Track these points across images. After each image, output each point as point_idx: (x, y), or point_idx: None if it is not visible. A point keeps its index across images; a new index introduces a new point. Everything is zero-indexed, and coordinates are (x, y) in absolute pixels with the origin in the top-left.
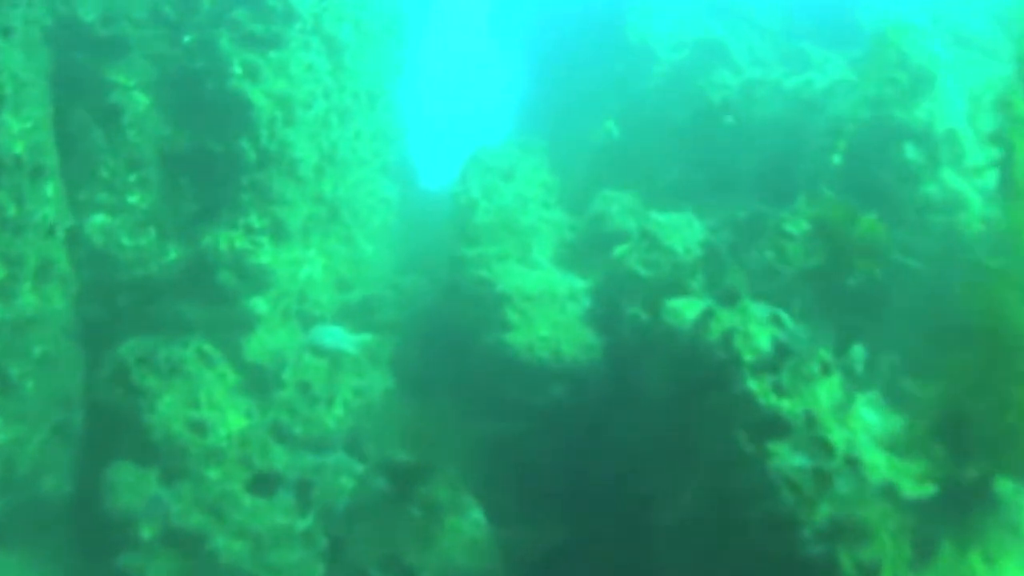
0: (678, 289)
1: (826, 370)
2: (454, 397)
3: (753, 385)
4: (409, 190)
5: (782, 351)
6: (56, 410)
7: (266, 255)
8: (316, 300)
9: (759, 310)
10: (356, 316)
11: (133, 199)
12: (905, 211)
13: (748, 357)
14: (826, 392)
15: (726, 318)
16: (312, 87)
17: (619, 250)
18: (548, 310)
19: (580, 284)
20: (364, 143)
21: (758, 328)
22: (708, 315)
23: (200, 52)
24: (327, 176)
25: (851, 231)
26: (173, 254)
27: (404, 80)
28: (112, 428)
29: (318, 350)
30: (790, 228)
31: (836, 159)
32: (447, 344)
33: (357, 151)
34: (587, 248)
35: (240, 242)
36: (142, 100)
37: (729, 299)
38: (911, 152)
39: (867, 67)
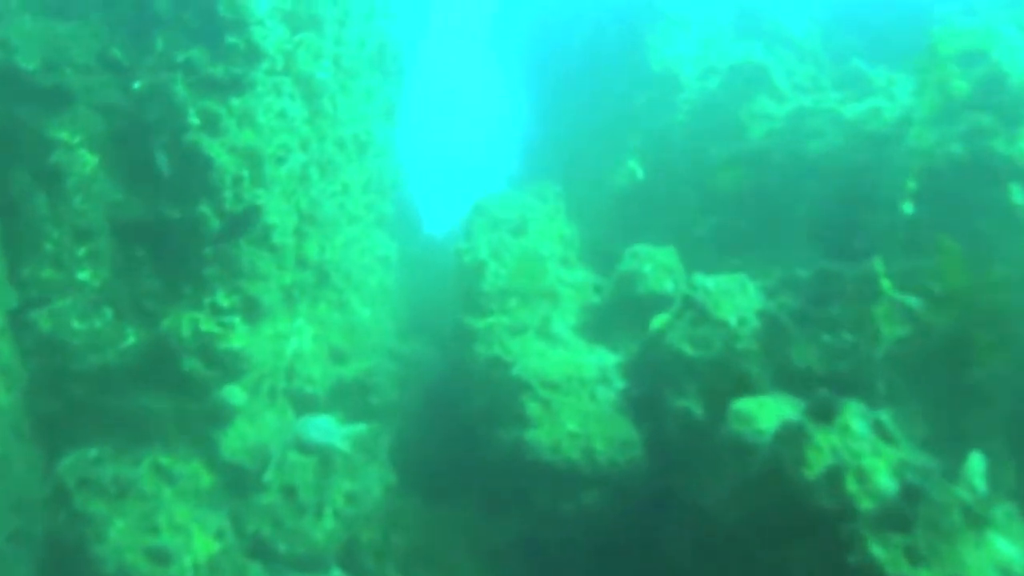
0: (735, 375)
1: (972, 519)
2: (466, 499)
3: (879, 552)
4: (410, 240)
5: (912, 495)
6: (10, 517)
7: (238, 338)
8: (307, 375)
9: (860, 424)
10: (351, 397)
11: (83, 276)
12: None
13: (866, 506)
14: (973, 552)
15: (824, 442)
16: (285, 138)
17: (657, 321)
18: (575, 398)
19: (611, 359)
20: (354, 197)
21: (874, 461)
22: (799, 436)
23: (152, 101)
24: (310, 238)
25: (975, 295)
26: (132, 338)
27: (399, 119)
28: (59, 559)
29: (305, 447)
30: (872, 291)
31: (916, 205)
32: (456, 432)
33: (346, 207)
34: (617, 313)
35: (206, 324)
36: (89, 160)
37: (824, 413)
38: (1018, 195)
39: (947, 89)
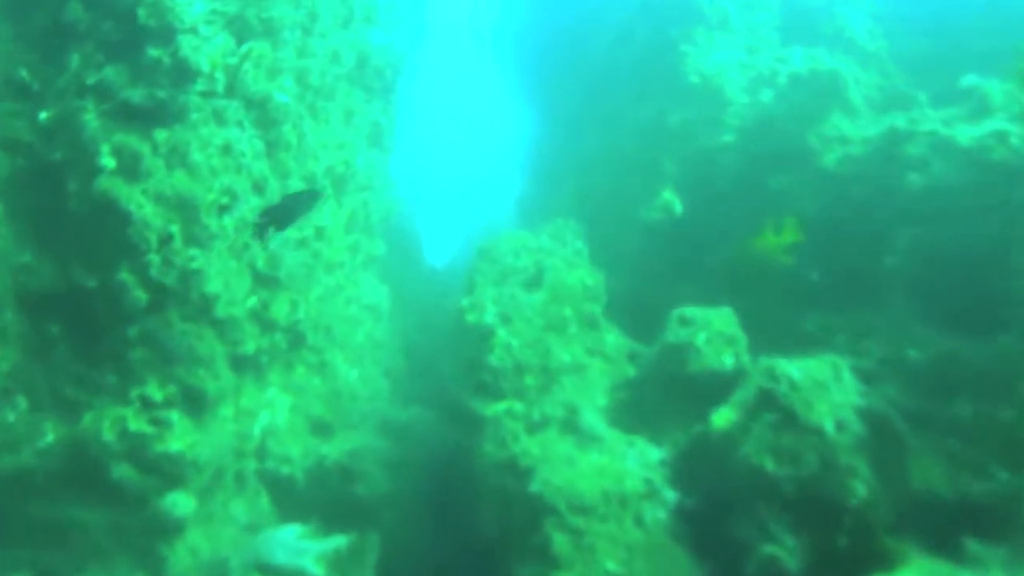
0: (839, 504)
1: None
2: None
3: None
4: (409, 276)
5: None
6: None
7: (177, 439)
8: (283, 454)
9: None
10: (333, 484)
11: None
12: None
13: None
14: None
15: None
16: (230, 179)
17: (721, 418)
18: (615, 525)
19: (654, 454)
20: (332, 240)
21: None
22: None
23: (60, 135)
24: (278, 299)
25: None
26: (51, 435)
27: (389, 143)
28: None
29: (269, 572)
30: (1016, 381)
31: None
32: (462, 554)
33: (322, 254)
34: (660, 393)
35: (136, 423)
36: None
37: None
38: None
39: None
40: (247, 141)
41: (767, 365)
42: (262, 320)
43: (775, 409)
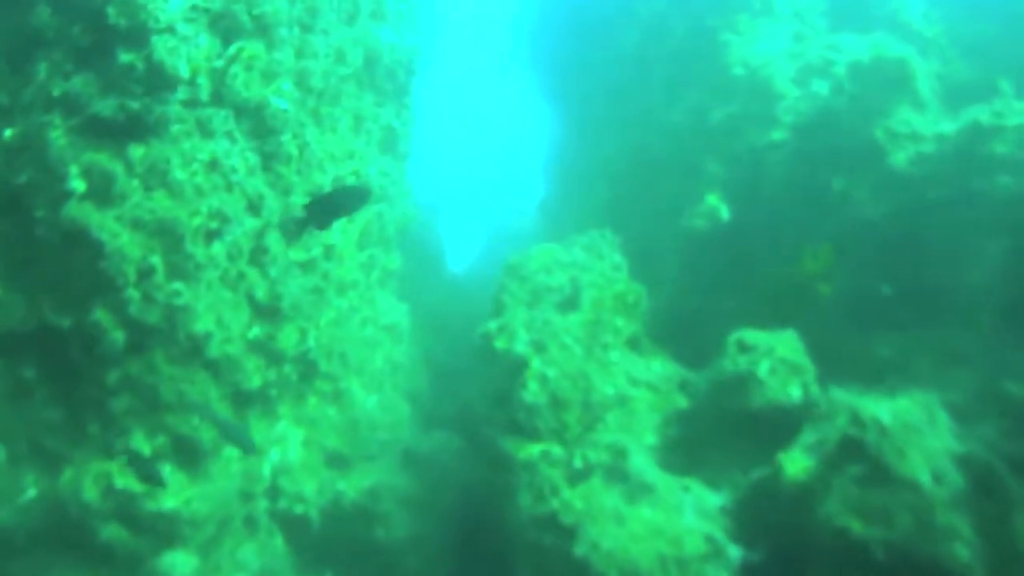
0: (939, 570)
1: None
2: None
3: None
4: (430, 286)
5: None
6: None
7: (170, 496)
8: (296, 492)
9: None
10: (351, 527)
11: None
12: None
13: None
14: None
15: None
16: (219, 199)
17: (794, 465)
18: None
19: (712, 500)
20: (345, 260)
21: None
22: None
23: (25, 154)
24: (285, 328)
25: None
26: (32, 490)
27: (405, 146)
28: None
29: None
30: None
31: None
32: None
33: (332, 275)
34: (716, 429)
35: (122, 479)
36: None
37: None
38: None
39: None
40: (239, 155)
41: (850, 406)
42: (268, 351)
43: (862, 460)
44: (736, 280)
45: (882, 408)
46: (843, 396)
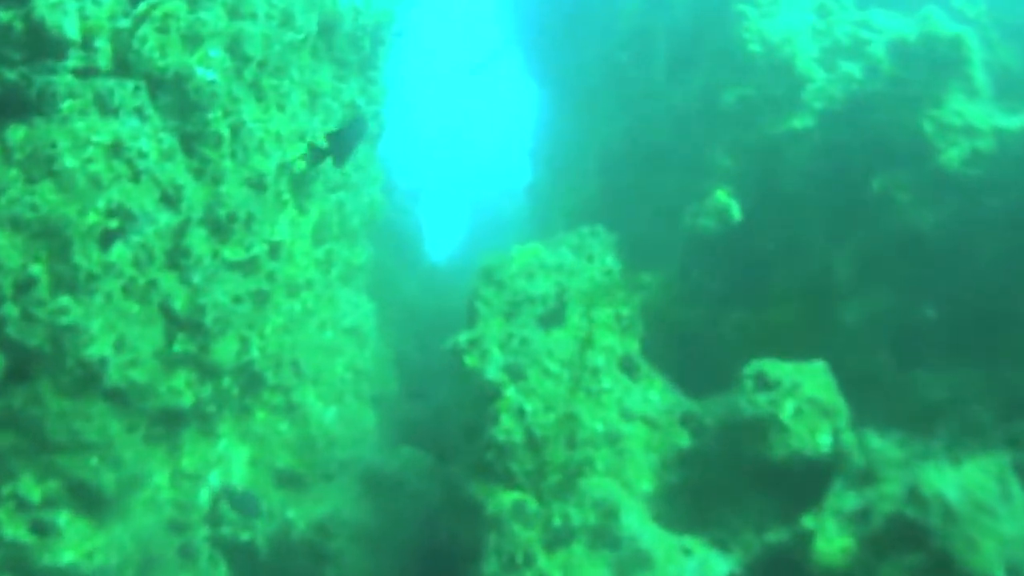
0: None
1: None
2: None
3: None
4: (402, 281)
5: None
6: None
7: (69, 548)
8: (239, 520)
9: None
10: (298, 564)
11: None
12: None
13: None
14: None
15: None
16: (121, 193)
17: (833, 548)
18: None
19: (720, 568)
20: (296, 258)
21: None
22: None
23: None
24: (220, 340)
25: None
26: None
27: (373, 125)
28: None
29: None
30: None
31: None
32: None
33: (280, 276)
34: (725, 476)
35: (11, 528)
36: None
37: None
38: None
39: None
40: (150, 136)
41: (906, 476)
42: (201, 365)
43: (921, 549)
44: (748, 289)
45: (947, 481)
46: (884, 447)
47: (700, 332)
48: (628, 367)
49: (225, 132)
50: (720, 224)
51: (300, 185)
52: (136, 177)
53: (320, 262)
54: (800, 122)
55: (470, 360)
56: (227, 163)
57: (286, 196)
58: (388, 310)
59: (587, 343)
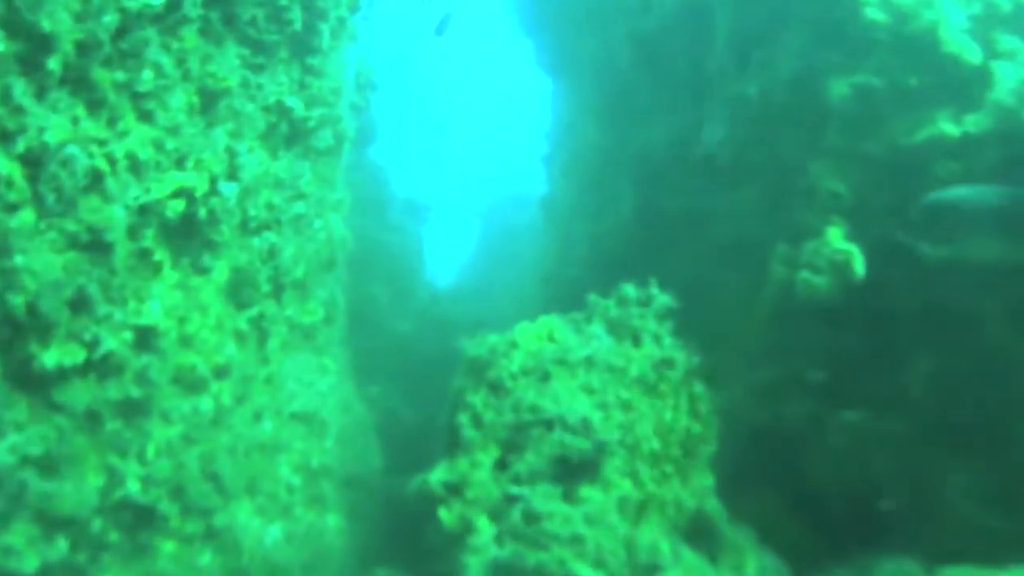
0: None
1: None
2: None
3: None
4: (394, 319)
5: None
6: None
7: None
8: None
9: None
10: None
11: None
12: None
13: None
14: None
15: None
16: None
17: None
18: None
19: None
20: (199, 335)
21: None
22: None
23: None
24: (66, 483)
25: None
26: None
27: (331, 130)
28: None
29: None
30: None
31: None
32: None
33: (156, 371)
34: None
35: None
36: None
37: None
38: None
39: None
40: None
41: None
42: (45, 517)
43: None
44: (870, 380)
45: None
46: None
47: (796, 435)
48: (698, 534)
49: (11, 167)
50: (836, 282)
51: (186, 235)
52: None
53: (242, 334)
54: (956, 127)
55: (447, 517)
56: (24, 216)
57: (159, 255)
58: (371, 360)
59: (641, 509)
